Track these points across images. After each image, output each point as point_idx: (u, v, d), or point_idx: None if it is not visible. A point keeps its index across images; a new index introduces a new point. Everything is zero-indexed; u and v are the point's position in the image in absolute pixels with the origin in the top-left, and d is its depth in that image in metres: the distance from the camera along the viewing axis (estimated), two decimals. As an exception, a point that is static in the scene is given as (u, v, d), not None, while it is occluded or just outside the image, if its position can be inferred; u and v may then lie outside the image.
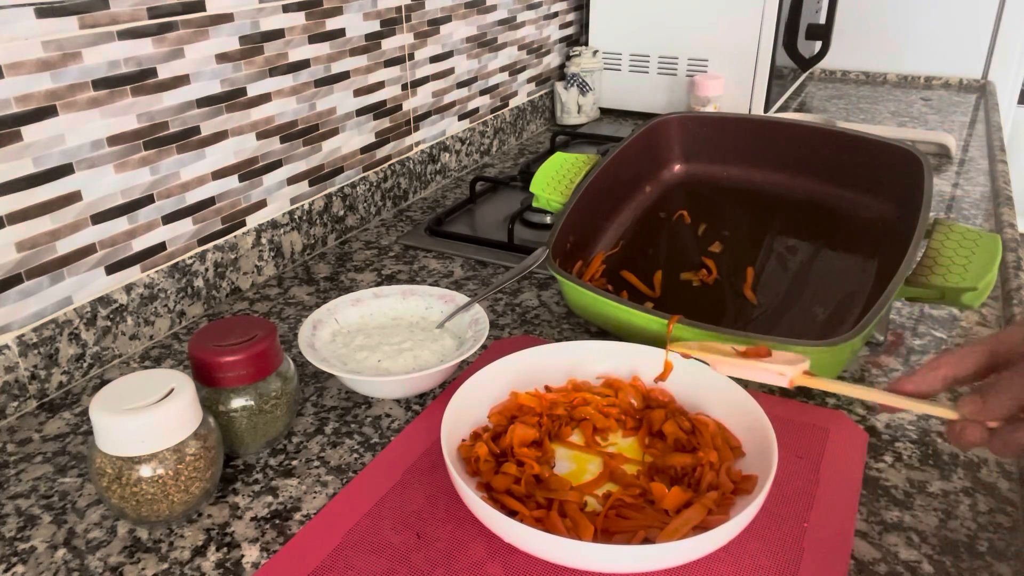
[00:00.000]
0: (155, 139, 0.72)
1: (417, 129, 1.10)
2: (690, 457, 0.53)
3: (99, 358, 0.70)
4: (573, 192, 0.78)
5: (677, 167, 0.90)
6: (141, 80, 0.70)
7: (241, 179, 0.83)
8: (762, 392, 0.65)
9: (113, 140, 0.68)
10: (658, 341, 0.65)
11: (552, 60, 1.47)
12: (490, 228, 0.99)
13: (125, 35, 0.68)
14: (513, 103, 1.36)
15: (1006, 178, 1.12)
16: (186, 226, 0.77)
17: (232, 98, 0.79)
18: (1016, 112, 1.92)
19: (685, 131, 0.88)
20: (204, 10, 0.74)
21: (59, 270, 0.66)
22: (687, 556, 0.44)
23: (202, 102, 0.76)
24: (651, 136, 0.87)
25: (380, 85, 1.00)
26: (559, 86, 1.45)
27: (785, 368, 0.52)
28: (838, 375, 0.65)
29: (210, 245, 0.80)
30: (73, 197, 0.66)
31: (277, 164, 0.87)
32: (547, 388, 0.62)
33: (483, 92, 1.25)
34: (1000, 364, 0.46)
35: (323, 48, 0.89)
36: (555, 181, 0.82)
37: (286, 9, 0.83)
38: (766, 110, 1.37)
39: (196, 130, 0.76)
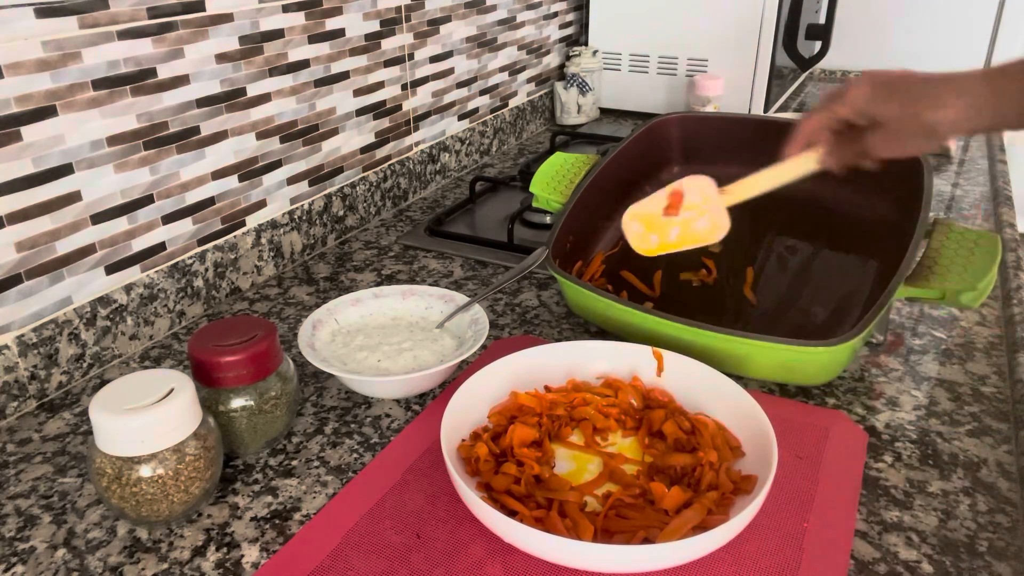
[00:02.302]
0: (155, 139, 0.72)
1: (417, 129, 1.10)
2: (690, 457, 0.53)
3: (99, 358, 0.70)
4: (573, 192, 0.78)
5: (676, 167, 0.90)
6: (141, 80, 0.70)
7: (241, 179, 0.83)
8: (762, 392, 0.65)
9: (113, 140, 0.68)
10: (658, 341, 0.65)
11: (552, 60, 1.47)
12: (490, 228, 0.99)
13: (125, 35, 0.68)
14: (513, 103, 1.36)
15: (1006, 178, 1.12)
16: (186, 226, 0.77)
17: (232, 98, 0.79)
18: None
19: (684, 131, 0.88)
20: (204, 10, 0.74)
21: (59, 270, 0.66)
22: (687, 556, 0.44)
23: (202, 102, 0.76)
24: (650, 136, 0.87)
25: (380, 85, 1.00)
26: (559, 86, 1.45)
27: (703, 214, 0.61)
28: (838, 374, 0.65)
29: (210, 245, 0.80)
30: (73, 197, 0.66)
31: (277, 164, 0.87)
32: (547, 388, 0.62)
33: (483, 92, 1.25)
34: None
35: (323, 48, 0.89)
36: (555, 181, 0.82)
37: (286, 9, 0.83)
38: (766, 110, 1.37)
39: (196, 130, 0.76)
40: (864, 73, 0.58)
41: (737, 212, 0.84)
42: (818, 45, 1.47)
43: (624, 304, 0.65)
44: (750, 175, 0.62)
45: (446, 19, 1.11)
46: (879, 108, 0.56)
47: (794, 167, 0.60)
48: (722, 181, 0.79)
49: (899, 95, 0.55)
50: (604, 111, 1.54)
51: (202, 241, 0.79)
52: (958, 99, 0.53)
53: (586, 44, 1.52)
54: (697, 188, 0.62)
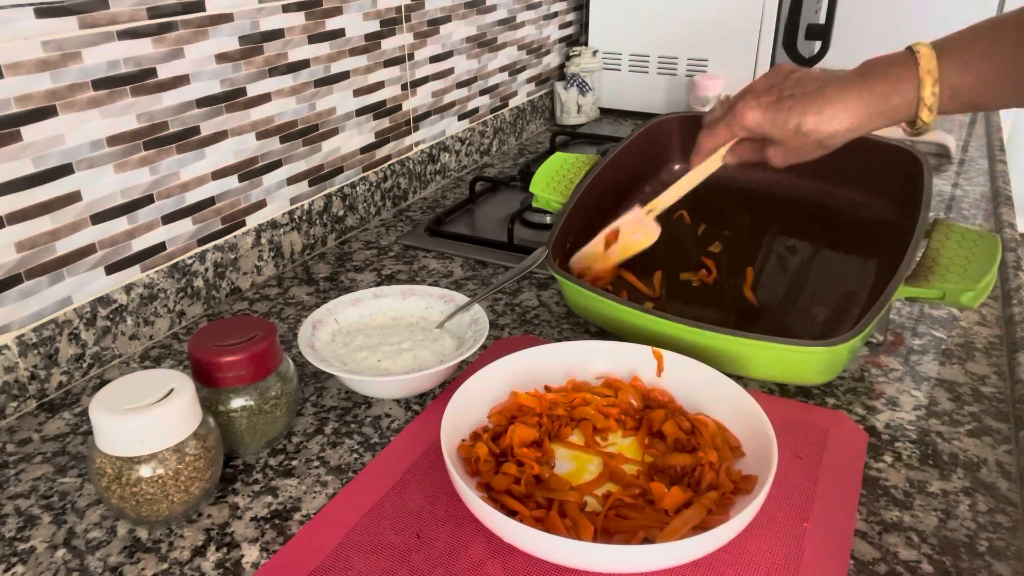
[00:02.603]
0: (155, 139, 0.72)
1: (417, 129, 1.10)
2: (690, 457, 0.53)
3: (99, 358, 0.70)
4: (573, 192, 0.78)
5: (677, 167, 0.90)
6: (141, 80, 0.70)
7: (241, 179, 0.83)
8: (762, 392, 0.65)
9: (113, 140, 0.68)
10: (658, 341, 0.65)
11: (552, 60, 1.47)
12: (490, 228, 0.99)
13: (125, 35, 0.68)
14: (513, 103, 1.36)
15: (1006, 178, 1.12)
16: (186, 226, 0.77)
17: (232, 98, 0.79)
18: (1016, 112, 1.92)
19: (684, 131, 0.88)
20: (204, 10, 0.74)
21: (59, 270, 0.66)
22: (687, 556, 0.44)
23: (202, 102, 0.76)
24: (650, 136, 0.87)
25: (380, 85, 1.00)
26: (559, 86, 1.45)
27: (636, 230, 0.71)
28: (838, 374, 0.65)
29: (210, 245, 0.80)
30: (73, 197, 0.66)
31: (277, 164, 0.87)
32: (547, 388, 0.62)
33: (483, 92, 1.25)
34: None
35: (323, 48, 0.89)
36: (555, 181, 0.82)
37: (286, 9, 0.83)
38: (766, 110, 1.36)
39: (196, 130, 0.76)
40: (749, 93, 0.62)
41: (737, 212, 0.85)
42: (818, 45, 1.47)
43: (624, 304, 0.65)
44: (666, 189, 0.71)
45: (446, 19, 1.11)
46: (771, 130, 0.60)
47: (702, 171, 0.68)
48: (722, 181, 0.80)
49: (784, 116, 0.59)
50: (604, 111, 1.54)
51: (202, 241, 0.79)
52: (838, 111, 0.57)
53: (586, 44, 1.52)
54: (626, 217, 0.71)
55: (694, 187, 0.69)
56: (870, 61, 0.58)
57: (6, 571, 0.49)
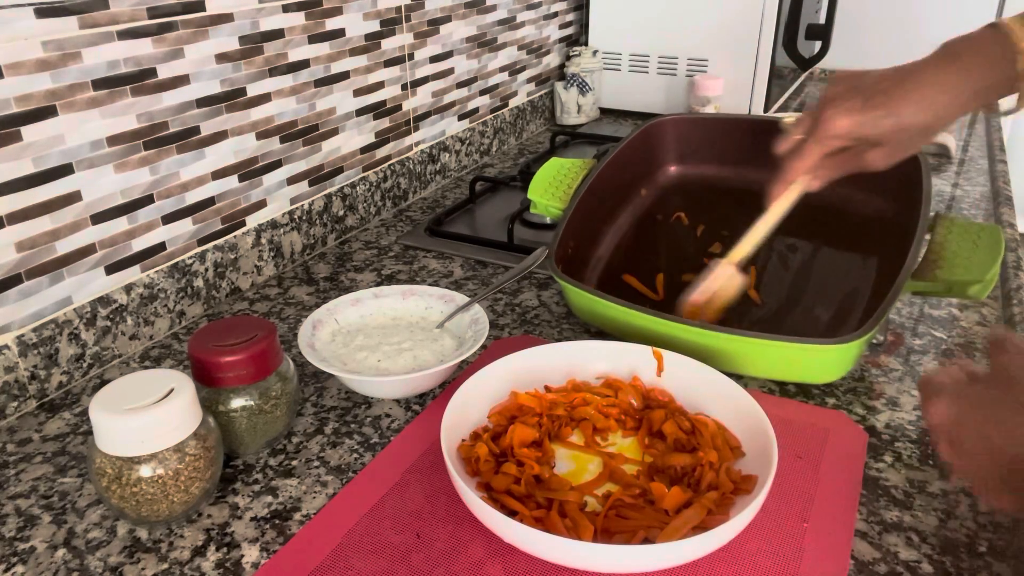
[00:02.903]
0: (155, 139, 0.72)
1: (417, 129, 1.10)
2: (690, 457, 0.53)
3: (99, 358, 0.70)
4: (572, 197, 0.78)
5: (673, 168, 0.89)
6: (141, 80, 0.70)
7: (241, 179, 0.83)
8: (762, 392, 0.65)
9: (113, 140, 0.68)
10: (659, 341, 0.65)
11: (552, 60, 1.47)
12: (490, 228, 0.99)
13: (125, 35, 0.68)
14: (513, 103, 1.36)
15: (1006, 178, 1.12)
16: (186, 226, 0.77)
17: (232, 98, 0.79)
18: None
19: (679, 133, 0.88)
20: (204, 10, 0.74)
21: (59, 270, 0.66)
22: (687, 556, 0.44)
23: (202, 102, 0.76)
24: (646, 139, 0.87)
25: (380, 85, 1.00)
26: (559, 86, 1.45)
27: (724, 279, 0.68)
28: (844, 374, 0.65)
29: (210, 245, 0.80)
30: (73, 197, 0.66)
31: (277, 164, 0.87)
32: (547, 388, 0.62)
33: (483, 92, 1.25)
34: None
35: (323, 48, 0.89)
36: (552, 187, 0.82)
37: (286, 9, 0.83)
38: (766, 110, 1.37)
39: (196, 130, 0.76)
40: (829, 104, 0.58)
41: (736, 212, 0.85)
42: (818, 45, 1.47)
43: (626, 306, 0.64)
44: (745, 234, 0.67)
45: (446, 19, 1.11)
46: (872, 131, 0.57)
47: (782, 204, 0.65)
48: (718, 182, 0.80)
49: (880, 113, 0.56)
50: (604, 111, 1.54)
51: (202, 241, 0.79)
52: (938, 95, 0.55)
53: (586, 44, 1.52)
54: (716, 276, 0.69)
55: (773, 227, 0.66)
56: (952, 43, 0.57)
57: (6, 571, 0.49)
